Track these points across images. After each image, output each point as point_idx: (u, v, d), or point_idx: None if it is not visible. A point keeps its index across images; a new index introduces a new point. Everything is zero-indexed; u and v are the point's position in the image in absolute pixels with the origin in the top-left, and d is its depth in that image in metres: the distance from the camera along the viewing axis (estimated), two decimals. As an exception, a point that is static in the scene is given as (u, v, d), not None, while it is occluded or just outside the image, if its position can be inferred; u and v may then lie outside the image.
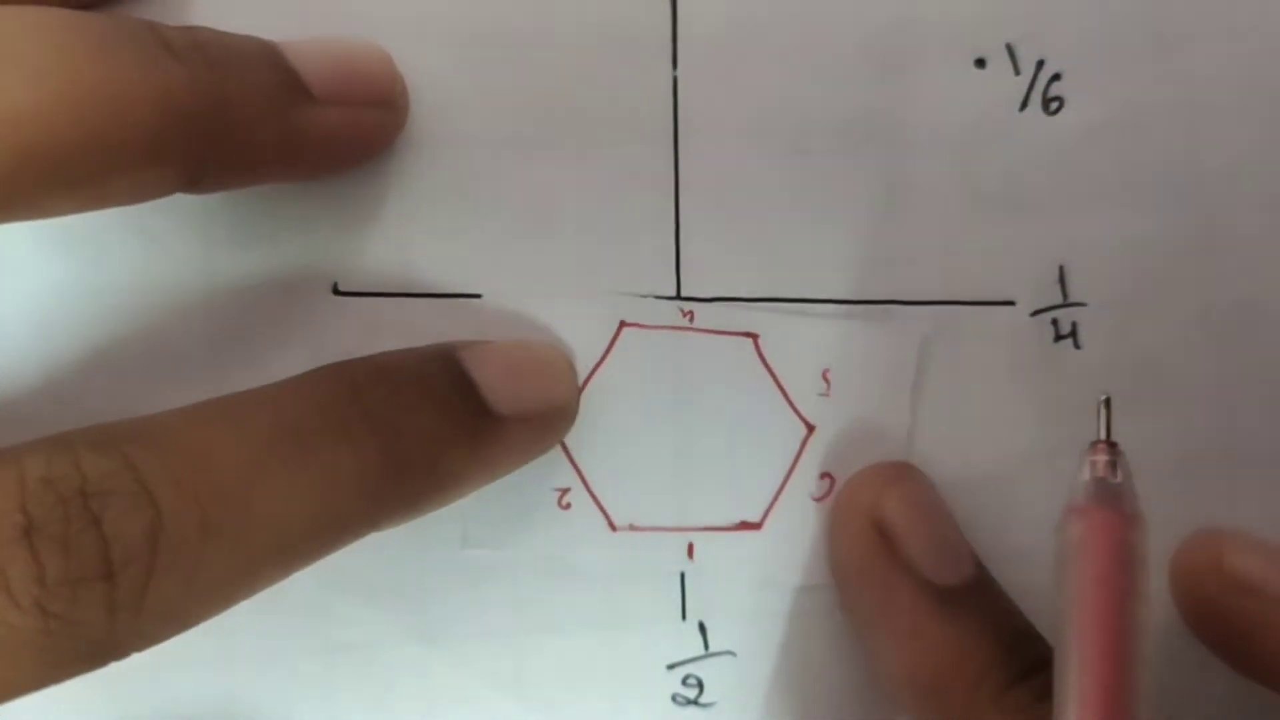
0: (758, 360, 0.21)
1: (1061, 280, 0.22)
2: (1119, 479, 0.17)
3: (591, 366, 0.21)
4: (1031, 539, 0.22)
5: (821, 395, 0.22)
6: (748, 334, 0.21)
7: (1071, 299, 0.22)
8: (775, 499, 0.22)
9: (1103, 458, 0.17)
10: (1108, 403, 0.18)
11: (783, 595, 0.22)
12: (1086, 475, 0.17)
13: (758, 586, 0.22)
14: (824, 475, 0.22)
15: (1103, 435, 0.18)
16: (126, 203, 0.17)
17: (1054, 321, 0.22)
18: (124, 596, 0.15)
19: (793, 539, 0.22)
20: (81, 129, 0.15)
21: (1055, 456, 0.22)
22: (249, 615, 0.19)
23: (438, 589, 0.21)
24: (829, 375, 0.22)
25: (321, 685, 0.21)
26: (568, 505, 0.21)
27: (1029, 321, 0.22)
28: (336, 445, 0.16)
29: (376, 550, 0.18)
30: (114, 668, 0.15)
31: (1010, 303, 0.22)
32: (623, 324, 0.21)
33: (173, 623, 0.15)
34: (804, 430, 0.22)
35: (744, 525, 0.22)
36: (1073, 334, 0.22)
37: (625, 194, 0.21)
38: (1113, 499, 0.17)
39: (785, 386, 0.22)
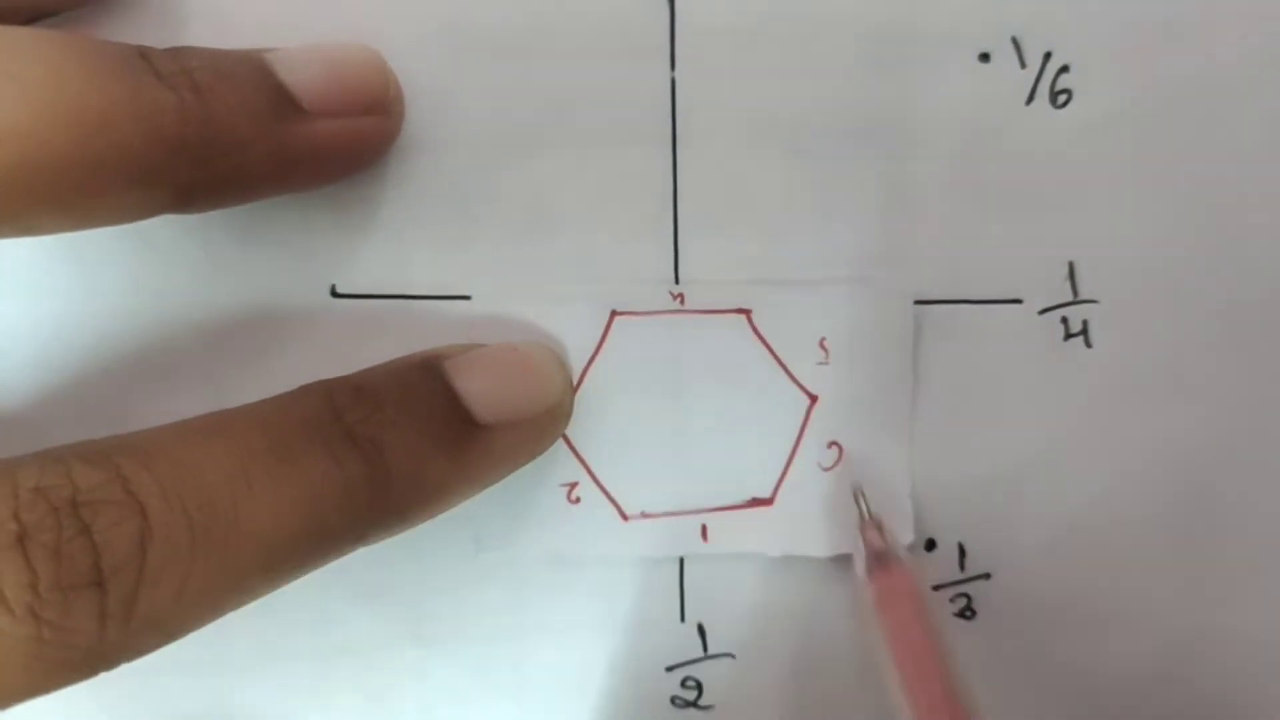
0: (753, 335, 0.21)
1: (1071, 277, 0.22)
2: (888, 546, 0.21)
3: (587, 359, 0.21)
4: (1039, 541, 0.22)
5: (821, 364, 0.21)
6: (740, 310, 0.21)
7: (1082, 296, 0.22)
8: (785, 472, 0.22)
9: (872, 533, 0.21)
10: (861, 492, 0.21)
11: (784, 592, 0.22)
12: (863, 550, 0.21)
13: (769, 570, 0.22)
14: (831, 444, 0.22)
15: (866, 517, 0.21)
16: (114, 223, 0.17)
17: (1064, 319, 0.22)
18: (114, 604, 0.15)
19: (805, 511, 0.22)
20: (71, 148, 0.15)
21: (1065, 457, 0.22)
22: (246, 618, 0.20)
23: (436, 591, 0.22)
24: (826, 343, 0.21)
25: (319, 688, 0.22)
26: (577, 499, 0.21)
27: (1037, 320, 0.22)
28: (319, 461, 0.17)
29: (374, 552, 0.19)
30: (112, 670, 0.16)
31: (1018, 300, 0.22)
32: (614, 313, 0.21)
33: (161, 632, 0.16)
34: (807, 401, 0.21)
35: (755, 502, 0.22)
36: (1083, 332, 0.22)
37: (624, 196, 0.21)
38: (890, 562, 0.21)
39: (783, 359, 0.21)
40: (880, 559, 0.20)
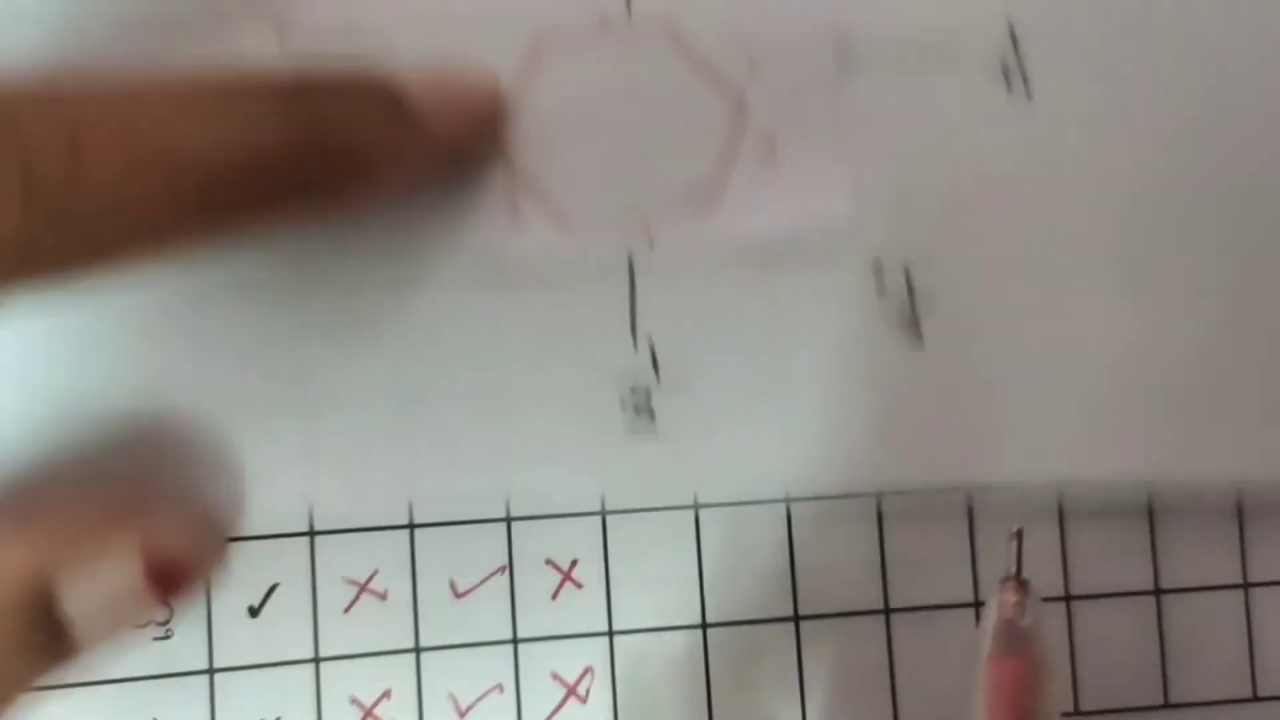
0: (680, 48, 0.22)
1: (1011, 34, 0.22)
2: (1028, 621, 0.17)
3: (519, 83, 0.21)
4: (984, 265, 0.22)
5: (752, 62, 0.22)
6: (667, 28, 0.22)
7: (1021, 49, 0.22)
8: (727, 174, 0.22)
9: (1011, 598, 0.18)
10: (1019, 534, 0.18)
11: (734, 308, 0.22)
12: (994, 617, 0.18)
13: (720, 265, 0.22)
14: (767, 138, 0.22)
15: (1012, 570, 0.18)
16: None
17: (1005, 72, 0.22)
18: (40, 192, 0.15)
19: (752, 210, 0.22)
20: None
21: (1010, 193, 0.22)
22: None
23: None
24: (755, 49, 0.22)
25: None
26: (517, 212, 0.22)
27: (979, 70, 0.22)
28: (263, 100, 0.17)
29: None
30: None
31: (956, 49, 0.22)
32: (541, 41, 0.21)
33: (87, 236, 0.16)
34: (739, 101, 0.22)
35: (700, 205, 0.22)
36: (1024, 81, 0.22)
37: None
38: (1020, 644, 0.17)
39: (715, 65, 0.22)
40: (1009, 637, 0.18)
